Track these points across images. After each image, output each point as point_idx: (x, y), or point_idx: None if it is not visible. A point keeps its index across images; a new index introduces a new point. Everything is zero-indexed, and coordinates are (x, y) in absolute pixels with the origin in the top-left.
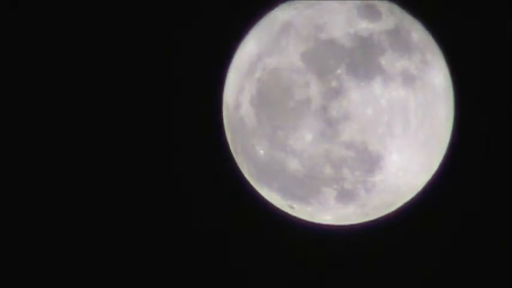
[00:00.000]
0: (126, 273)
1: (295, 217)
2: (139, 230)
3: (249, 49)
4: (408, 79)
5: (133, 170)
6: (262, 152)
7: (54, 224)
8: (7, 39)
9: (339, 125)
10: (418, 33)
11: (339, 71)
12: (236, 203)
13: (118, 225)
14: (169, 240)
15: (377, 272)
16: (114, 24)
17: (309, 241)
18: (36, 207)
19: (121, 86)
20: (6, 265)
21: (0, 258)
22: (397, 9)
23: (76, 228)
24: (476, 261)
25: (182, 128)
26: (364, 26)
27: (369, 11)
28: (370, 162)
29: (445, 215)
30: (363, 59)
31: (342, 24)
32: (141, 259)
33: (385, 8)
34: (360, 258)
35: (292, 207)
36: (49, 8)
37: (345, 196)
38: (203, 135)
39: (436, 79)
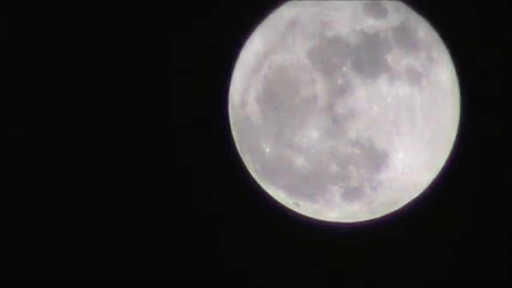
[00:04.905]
0: (130, 271)
1: (301, 215)
2: (146, 227)
3: (255, 47)
4: (414, 76)
5: (139, 168)
6: (268, 149)
7: (57, 223)
8: (7, 39)
9: (345, 123)
10: (424, 30)
11: (344, 69)
12: (242, 201)
13: (123, 222)
14: (174, 237)
15: (381, 270)
16: (120, 22)
17: (315, 238)
18: (40, 204)
19: (126, 84)
20: (7, 265)
21: (1, 258)
22: (403, 7)
23: (83, 226)
24: (479, 261)
25: (188, 126)
26: (370, 23)
27: (375, 9)
28: (376, 159)
29: (450, 213)
30: (368, 57)
31: (348, 22)
32: (145, 257)
33: (391, 5)
34: (365, 256)
35: (298, 205)
36: (50, 8)
37: (351, 194)
38: (209, 133)
39: (442, 76)
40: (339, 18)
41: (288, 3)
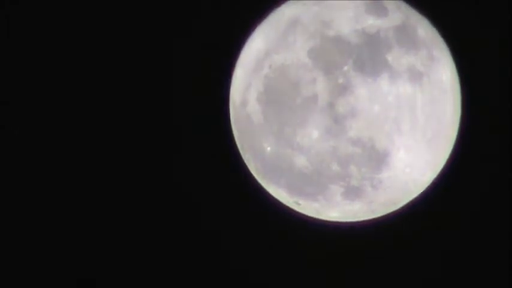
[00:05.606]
0: (130, 271)
1: (301, 214)
2: (145, 227)
3: (256, 46)
4: (415, 75)
5: (139, 168)
6: (269, 148)
7: (57, 222)
8: (7, 39)
9: (345, 122)
10: (424, 29)
11: (345, 68)
12: (242, 201)
13: (123, 222)
14: (174, 237)
15: (381, 270)
16: (120, 22)
17: (315, 238)
18: (41, 203)
19: (126, 84)
20: (6, 265)
21: (0, 258)
22: (403, 6)
23: (82, 226)
24: (479, 261)
25: (189, 125)
26: (371, 22)
27: (376, 8)
28: (377, 159)
29: (450, 213)
30: (369, 56)
31: (349, 21)
32: (145, 257)
33: (391, 4)
34: (365, 256)
35: (298, 204)
36: (50, 8)
37: (352, 193)
38: (210, 133)
39: (443, 75)
40: (339, 17)
41: (289, 2)
